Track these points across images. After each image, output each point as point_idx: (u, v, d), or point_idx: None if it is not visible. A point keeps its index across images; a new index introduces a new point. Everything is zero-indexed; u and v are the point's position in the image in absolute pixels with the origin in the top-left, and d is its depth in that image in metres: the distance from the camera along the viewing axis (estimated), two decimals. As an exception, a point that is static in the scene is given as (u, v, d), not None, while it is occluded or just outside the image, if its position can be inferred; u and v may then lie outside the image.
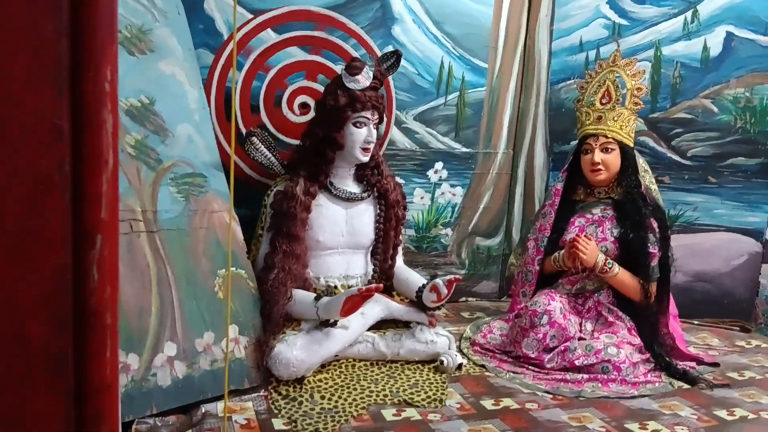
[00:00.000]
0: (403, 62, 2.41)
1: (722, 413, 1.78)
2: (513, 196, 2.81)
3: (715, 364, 2.12)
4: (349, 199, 2.02)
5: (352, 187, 2.05)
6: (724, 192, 2.56)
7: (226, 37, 2.16)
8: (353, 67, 1.95)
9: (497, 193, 2.77)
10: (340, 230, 2.00)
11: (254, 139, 1.99)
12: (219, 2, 2.13)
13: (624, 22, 2.65)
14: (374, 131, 2.00)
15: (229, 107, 2.17)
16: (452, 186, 2.69)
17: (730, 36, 2.54)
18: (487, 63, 2.66)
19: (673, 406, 1.81)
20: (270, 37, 2.23)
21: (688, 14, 2.57)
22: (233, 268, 1.76)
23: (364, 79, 1.93)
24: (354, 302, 1.71)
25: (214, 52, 2.14)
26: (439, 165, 2.65)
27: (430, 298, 1.95)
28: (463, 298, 2.73)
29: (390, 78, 2.35)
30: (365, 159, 1.99)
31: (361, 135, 1.96)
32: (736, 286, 2.55)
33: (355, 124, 1.95)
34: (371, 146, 1.98)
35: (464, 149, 2.68)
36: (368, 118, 1.97)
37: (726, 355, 2.26)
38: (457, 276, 1.95)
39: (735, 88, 2.53)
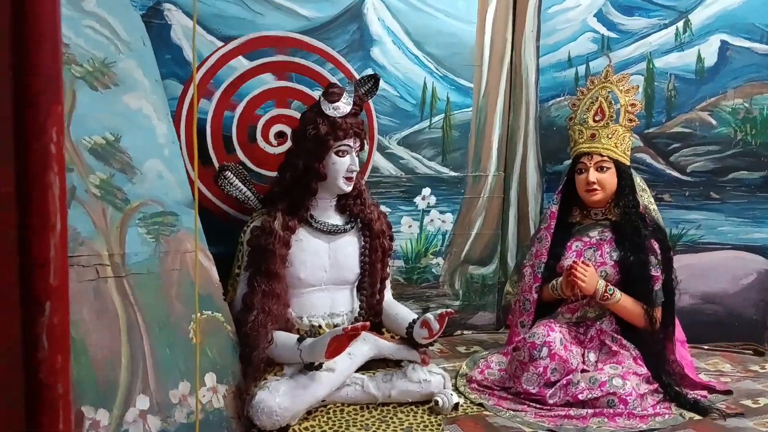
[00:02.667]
0: (384, 85, 2.46)
1: (736, 445, 1.78)
2: (506, 220, 2.83)
3: (728, 392, 2.13)
4: (331, 231, 2.03)
5: (334, 219, 2.06)
6: (727, 208, 2.59)
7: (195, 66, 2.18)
8: (332, 93, 1.97)
9: (489, 218, 2.79)
10: (322, 265, 2.00)
11: (228, 173, 2.00)
12: (187, 31, 2.16)
13: (613, 35, 2.70)
14: (357, 159, 2.01)
15: (202, 140, 2.19)
16: (441, 212, 2.70)
17: (725, 45, 2.60)
18: (473, 82, 2.70)
19: (685, 440, 1.81)
20: (242, 64, 2.25)
21: (680, 24, 2.63)
22: (209, 312, 1.76)
23: (344, 105, 1.95)
24: (340, 342, 1.71)
25: (183, 82, 2.16)
26: (426, 191, 2.66)
27: (421, 335, 1.94)
28: (459, 332, 2.73)
29: (370, 102, 2.38)
30: (348, 189, 2.00)
31: (344, 164, 1.97)
32: (746, 307, 2.57)
33: (337, 153, 1.97)
34: (354, 175, 2.00)
35: (452, 173, 2.70)
36: (350, 146, 1.99)
37: (739, 381, 2.26)
38: (450, 309, 1.95)
39: (733, 99, 2.58)
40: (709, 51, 2.61)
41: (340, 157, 1.97)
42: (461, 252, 2.75)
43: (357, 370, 1.93)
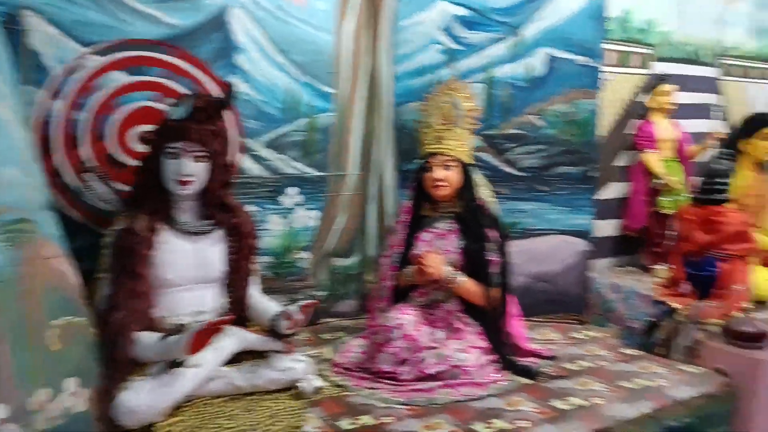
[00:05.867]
0: (249, 90, 2.44)
1: (558, 403, 1.94)
2: (367, 215, 2.88)
3: (554, 357, 2.30)
4: (195, 232, 1.98)
5: (198, 220, 2.01)
6: (553, 198, 2.80)
7: (53, 72, 2.05)
8: (175, 98, 1.92)
9: (351, 214, 2.83)
10: (187, 266, 1.95)
11: (89, 175, 1.89)
12: (44, 36, 2.02)
13: (458, 47, 2.81)
14: (193, 165, 1.92)
15: (70, 144, 2.06)
16: (307, 210, 2.71)
17: (550, 57, 2.78)
18: (334, 88, 2.72)
19: (517, 402, 1.94)
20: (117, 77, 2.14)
21: (513, 38, 2.78)
22: (70, 317, 1.67)
23: (181, 109, 1.90)
24: (202, 338, 1.68)
25: (42, 88, 2.02)
26: (292, 190, 2.66)
27: (284, 326, 1.95)
28: (324, 320, 2.76)
29: (237, 107, 2.34)
30: (183, 192, 1.93)
31: (173, 166, 1.90)
32: (570, 284, 2.80)
33: (167, 155, 1.91)
34: (189, 179, 1.92)
35: (316, 173, 2.71)
36: (182, 150, 1.91)
37: (563, 347, 2.45)
38: (312, 300, 1.97)
39: (558, 104, 2.77)
40: (538, 62, 2.79)
41: (170, 159, 1.91)
42: (326, 246, 2.78)
43: (225, 364, 1.90)
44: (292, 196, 2.67)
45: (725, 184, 2.85)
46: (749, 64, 3.95)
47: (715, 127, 3.60)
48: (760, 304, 2.85)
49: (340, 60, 2.73)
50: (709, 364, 2.20)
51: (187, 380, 1.74)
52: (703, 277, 2.79)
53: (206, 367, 1.80)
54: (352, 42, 2.74)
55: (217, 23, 2.41)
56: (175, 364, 1.74)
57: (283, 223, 2.65)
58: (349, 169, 2.81)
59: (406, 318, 2.14)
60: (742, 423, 2.15)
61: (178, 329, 1.86)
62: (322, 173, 2.73)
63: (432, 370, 2.05)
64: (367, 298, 2.67)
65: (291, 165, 2.66)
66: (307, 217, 2.71)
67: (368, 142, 2.87)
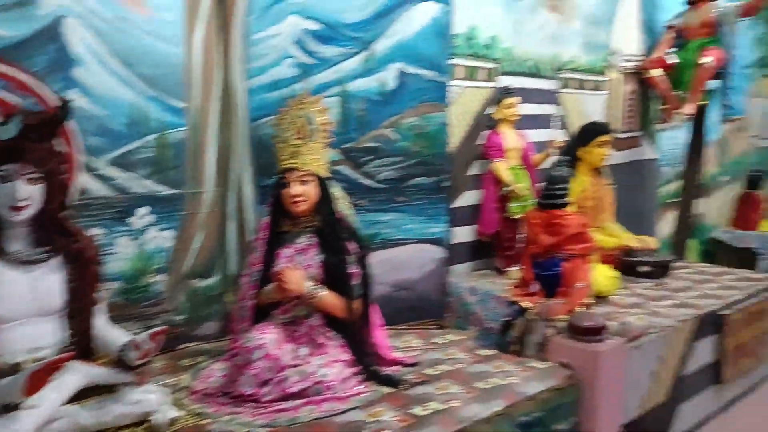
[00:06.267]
0: (90, 105, 2.30)
1: (418, 410, 2.00)
2: (226, 233, 2.81)
3: (415, 364, 2.38)
4: (30, 261, 1.83)
5: (33, 248, 1.86)
6: (410, 209, 2.90)
7: None
8: (3, 116, 1.78)
9: (210, 232, 2.74)
10: (21, 299, 1.79)
11: None
12: None
13: (312, 61, 2.82)
14: (27, 188, 1.80)
15: None
16: (161, 230, 2.59)
17: (401, 72, 2.88)
18: (185, 102, 2.63)
19: (379, 413, 1.98)
20: None
21: (366, 53, 2.85)
22: None
23: (12, 128, 1.77)
24: (39, 377, 1.55)
25: None
26: (143, 210, 2.54)
27: (133, 356, 1.84)
28: (183, 345, 2.64)
29: (75, 123, 2.20)
30: (17, 219, 1.80)
31: (5, 191, 1.77)
32: (429, 290, 2.90)
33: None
34: (23, 204, 1.79)
35: (170, 191, 2.60)
36: (16, 172, 1.78)
37: (425, 353, 2.54)
38: (163, 327, 1.88)
39: (410, 118, 2.88)
40: (390, 77, 2.87)
41: (1, 183, 1.78)
42: (183, 267, 2.67)
43: (68, 402, 1.76)
44: (143, 216, 2.54)
45: (565, 189, 3.10)
46: (584, 77, 4.33)
47: (556, 136, 3.90)
48: (600, 299, 3.12)
49: (192, 73, 2.65)
50: (555, 359, 2.37)
51: (24, 424, 1.59)
52: (550, 276, 3.01)
53: (46, 407, 1.66)
54: (202, 55, 2.67)
55: (51, 34, 2.25)
56: (10, 407, 1.59)
57: (134, 245, 2.52)
58: (206, 186, 2.73)
59: (267, 337, 2.12)
60: (587, 413, 2.34)
61: (12, 369, 1.71)
62: (176, 191, 2.62)
63: (295, 389, 2.04)
64: (229, 319, 2.61)
65: (141, 183, 2.53)
66: (161, 238, 2.60)
67: (225, 157, 2.80)
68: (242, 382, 2.05)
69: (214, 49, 2.72)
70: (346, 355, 2.21)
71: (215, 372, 2.22)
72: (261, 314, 2.33)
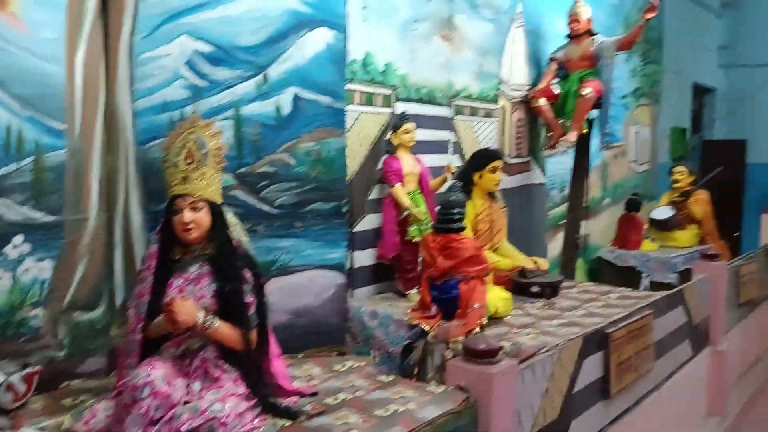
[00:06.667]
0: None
1: (316, 441, 1.96)
2: (112, 261, 2.66)
3: (315, 394, 2.34)
4: None
5: None
6: (309, 234, 2.87)
7: None
8: None
9: (94, 261, 2.59)
10: None
11: None
12: None
13: (204, 83, 2.76)
14: None
15: None
16: (38, 260, 2.42)
17: (297, 97, 2.87)
18: (66, 124, 2.49)
19: (276, 447, 1.92)
20: None
21: (260, 77, 2.82)
22: None
23: None
24: None
25: None
26: (18, 239, 2.36)
27: (6, 400, 1.70)
28: (65, 383, 2.46)
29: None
30: None
31: None
32: (329, 316, 2.88)
33: None
34: None
35: (49, 217, 2.44)
36: None
37: (325, 381, 2.51)
38: (37, 367, 1.75)
39: (307, 143, 2.87)
40: (286, 101, 2.86)
41: None
42: (64, 298, 2.50)
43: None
44: (18, 245, 2.37)
45: (461, 213, 3.20)
46: (475, 105, 4.51)
47: (451, 161, 4.03)
48: (494, 319, 3.22)
49: (73, 93, 2.52)
50: (452, 382, 2.41)
51: None
52: (447, 299, 3.08)
53: None
54: (84, 75, 2.54)
55: None
56: None
57: (7, 277, 2.33)
58: (89, 212, 2.58)
59: (155, 373, 2.00)
60: (484, 435, 2.38)
61: None
62: (55, 218, 2.46)
63: (186, 427, 1.93)
64: (116, 354, 2.46)
65: (16, 210, 2.36)
66: (39, 268, 2.42)
67: (111, 181, 2.67)
68: (129, 422, 1.92)
69: (98, 69, 2.60)
70: (242, 388, 2.13)
71: (99, 412, 2.08)
72: (150, 348, 2.21)
